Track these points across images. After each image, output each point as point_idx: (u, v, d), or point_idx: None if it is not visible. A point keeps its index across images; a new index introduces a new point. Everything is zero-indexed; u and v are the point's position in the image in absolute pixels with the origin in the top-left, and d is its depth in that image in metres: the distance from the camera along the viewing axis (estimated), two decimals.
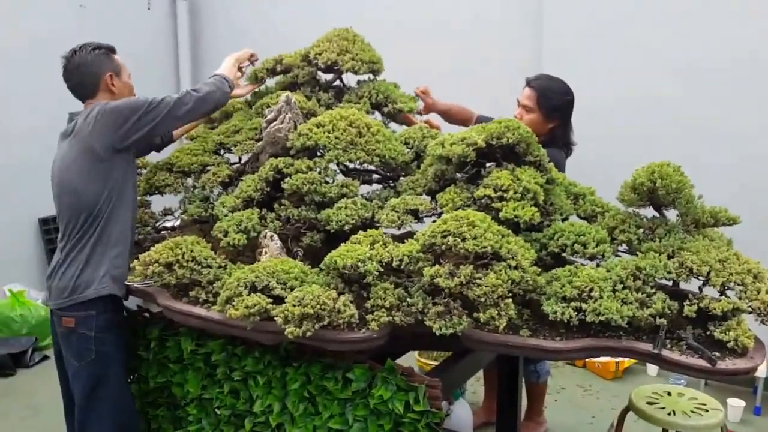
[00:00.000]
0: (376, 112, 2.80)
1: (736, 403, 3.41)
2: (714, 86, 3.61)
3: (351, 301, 1.82)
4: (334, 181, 2.30)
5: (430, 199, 2.19)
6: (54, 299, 2.28)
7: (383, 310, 1.79)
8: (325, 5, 4.90)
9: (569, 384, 3.89)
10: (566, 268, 1.85)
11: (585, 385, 3.89)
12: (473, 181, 2.09)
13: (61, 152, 2.28)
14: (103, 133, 2.19)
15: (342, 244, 1.94)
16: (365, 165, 2.37)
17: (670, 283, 1.86)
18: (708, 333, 1.71)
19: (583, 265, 1.90)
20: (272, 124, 2.40)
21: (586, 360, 4.00)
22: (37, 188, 4.08)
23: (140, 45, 5.30)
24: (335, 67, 2.76)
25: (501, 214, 1.90)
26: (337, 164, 2.34)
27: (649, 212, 2.05)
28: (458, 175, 2.14)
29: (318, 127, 2.33)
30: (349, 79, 2.86)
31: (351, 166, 2.42)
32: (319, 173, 2.27)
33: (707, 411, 2.36)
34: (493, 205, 1.94)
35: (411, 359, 3.70)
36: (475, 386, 3.83)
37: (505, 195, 1.93)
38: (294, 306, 1.75)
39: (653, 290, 1.75)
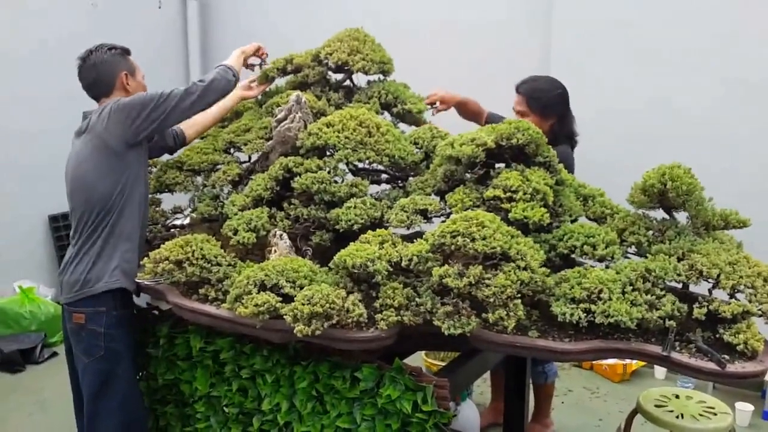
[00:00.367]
0: (386, 113, 2.80)
1: (745, 407, 3.39)
2: (726, 89, 3.59)
3: (360, 301, 1.82)
4: (343, 181, 2.30)
5: (439, 199, 2.19)
6: (65, 294, 2.31)
7: (392, 309, 1.79)
8: (334, 6, 4.91)
9: (576, 386, 3.88)
10: (575, 269, 1.85)
11: (592, 387, 3.88)
12: (482, 181, 2.09)
13: (75, 149, 2.32)
14: (117, 129, 2.23)
15: (351, 243, 1.94)
16: (375, 165, 2.38)
17: (680, 286, 1.86)
18: (717, 336, 1.71)
19: (592, 266, 1.90)
20: (282, 124, 2.41)
21: (594, 362, 3.98)
22: (46, 186, 4.13)
23: (151, 44, 5.32)
24: (345, 67, 2.77)
25: (510, 215, 1.90)
26: (347, 164, 2.35)
27: (659, 214, 2.05)
28: (467, 175, 2.14)
29: (328, 127, 2.34)
30: (360, 79, 2.87)
31: (360, 165, 2.43)
32: (329, 173, 2.27)
33: (716, 414, 2.35)
34: (502, 205, 1.94)
35: (418, 359, 3.70)
36: (482, 387, 3.83)
37: (514, 196, 1.94)
38: (303, 305, 1.76)
39: (663, 292, 1.74)
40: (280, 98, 2.70)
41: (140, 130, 2.25)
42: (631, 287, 1.74)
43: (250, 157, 2.67)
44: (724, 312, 1.68)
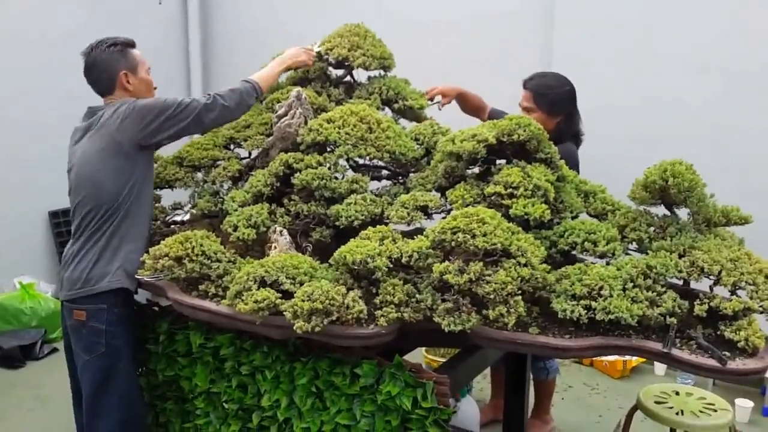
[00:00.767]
0: (387, 108, 2.80)
1: (745, 404, 3.39)
2: (727, 85, 3.59)
3: (360, 297, 1.82)
4: (343, 177, 2.30)
5: (439, 195, 2.19)
6: (66, 290, 2.29)
7: (392, 306, 1.79)
8: (337, 0, 4.89)
9: (576, 383, 3.88)
10: (576, 266, 1.85)
11: (592, 383, 3.88)
12: (483, 177, 2.09)
13: (82, 145, 2.28)
14: (131, 130, 2.20)
15: (351, 239, 1.94)
16: (375, 161, 2.37)
17: (681, 282, 1.86)
18: (718, 333, 1.71)
19: (593, 263, 1.90)
20: (283, 120, 2.40)
21: (594, 359, 3.98)
22: (47, 182, 4.12)
23: (151, 40, 5.29)
24: (346, 63, 2.76)
25: (511, 211, 1.89)
26: (347, 160, 2.35)
27: (661, 211, 2.04)
28: (468, 171, 2.14)
29: (328, 123, 2.33)
30: (360, 75, 2.86)
31: (361, 161, 2.42)
32: (329, 169, 2.27)
33: (716, 411, 2.35)
34: (503, 202, 1.93)
35: (418, 356, 3.70)
36: (483, 383, 3.83)
37: (515, 192, 1.93)
38: (303, 301, 1.76)
39: (664, 289, 1.74)
40: (280, 94, 2.69)
41: (154, 135, 2.24)
42: (632, 284, 1.74)
43: (250, 153, 2.66)
44: (725, 309, 1.68)
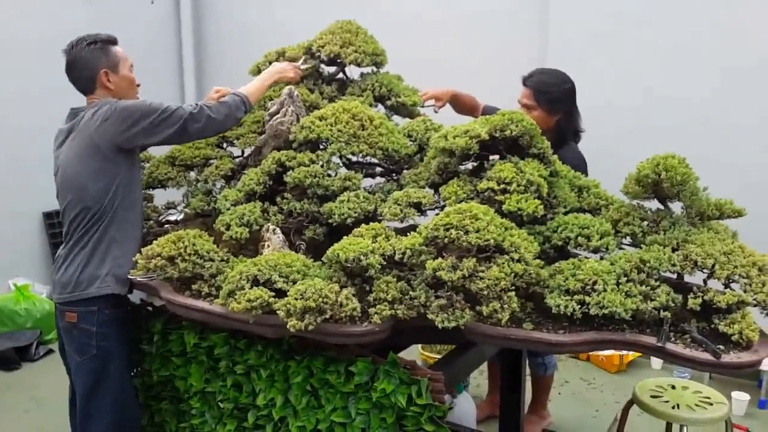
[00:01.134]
0: (380, 105, 2.79)
1: (741, 397, 3.40)
2: (722, 80, 3.59)
3: (353, 295, 1.81)
4: (336, 174, 2.29)
5: (433, 191, 2.18)
6: (57, 293, 2.29)
7: (386, 303, 1.78)
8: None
9: (573, 377, 3.89)
10: (570, 260, 1.84)
11: (589, 378, 3.88)
12: (476, 173, 2.08)
13: (65, 148, 2.25)
14: (110, 133, 2.16)
15: (344, 237, 1.93)
16: (368, 158, 2.37)
17: (675, 276, 1.85)
18: (713, 326, 1.70)
19: (586, 257, 1.89)
20: (275, 117, 2.39)
21: (590, 353, 3.99)
22: (41, 182, 4.09)
23: (144, 39, 5.29)
24: (338, 60, 2.75)
25: (504, 207, 1.89)
26: (340, 157, 2.34)
27: (654, 204, 2.04)
28: (461, 167, 2.13)
29: (321, 120, 2.32)
30: (353, 71, 2.85)
31: (354, 159, 2.41)
32: (322, 166, 2.26)
33: (712, 404, 2.35)
34: (496, 197, 1.93)
35: (414, 353, 3.70)
36: (479, 379, 3.83)
37: (508, 187, 1.93)
38: (296, 299, 1.75)
39: (657, 283, 1.74)
40: (272, 92, 2.67)
41: (134, 140, 2.19)
42: (626, 278, 1.73)
43: (242, 152, 2.66)
44: (719, 302, 1.67)
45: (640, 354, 3.84)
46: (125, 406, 2.31)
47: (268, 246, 2.13)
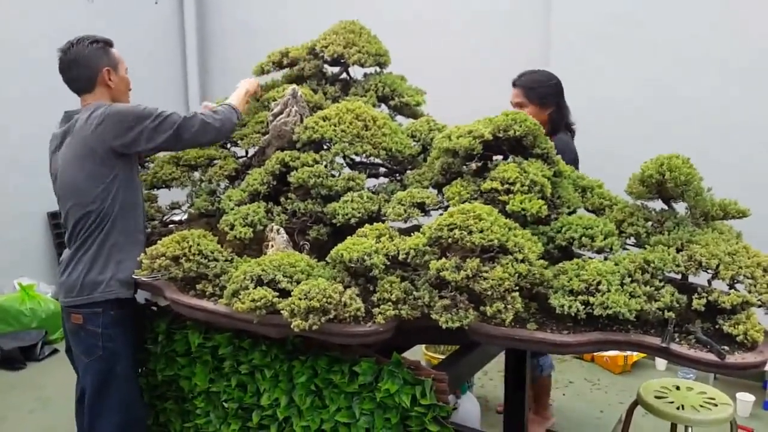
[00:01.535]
0: (383, 105, 2.79)
1: (746, 398, 3.39)
2: (725, 79, 3.58)
3: (357, 295, 1.81)
4: (340, 175, 2.29)
5: (436, 192, 2.18)
6: (63, 296, 2.29)
7: (389, 303, 1.78)
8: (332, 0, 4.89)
9: (577, 378, 3.88)
10: (574, 261, 1.84)
11: (593, 379, 3.87)
12: (480, 174, 2.08)
13: (61, 152, 2.24)
14: (105, 137, 2.16)
15: (348, 237, 1.93)
16: (371, 158, 2.37)
17: (679, 277, 1.85)
18: (717, 327, 1.70)
19: (590, 258, 1.89)
20: (278, 118, 2.39)
21: (595, 354, 3.98)
22: (45, 183, 4.10)
23: (147, 40, 5.31)
24: (341, 60, 2.75)
25: (508, 207, 1.89)
26: (344, 157, 2.34)
27: (658, 205, 2.04)
28: (465, 168, 2.13)
29: (324, 120, 2.32)
30: (356, 71, 2.85)
31: (357, 159, 2.41)
32: (326, 166, 2.26)
33: (716, 405, 2.34)
34: (500, 198, 1.93)
35: (418, 353, 3.70)
36: (483, 380, 3.83)
37: (512, 188, 1.92)
38: (300, 299, 1.75)
39: (661, 283, 1.73)
40: (276, 92, 2.68)
41: (129, 145, 2.19)
42: (630, 279, 1.73)
43: (246, 152, 2.66)
44: (724, 303, 1.67)
45: (644, 355, 3.83)
46: (132, 406, 2.31)
47: (272, 246, 2.13)
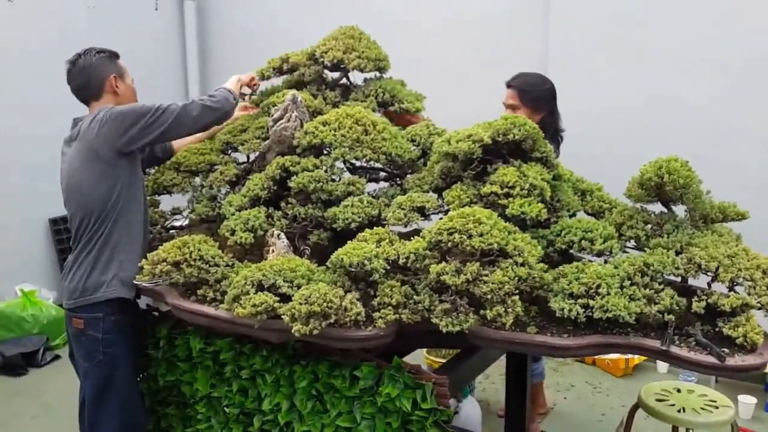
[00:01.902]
0: (383, 110, 2.80)
1: (747, 400, 3.39)
2: (725, 82, 3.58)
3: (358, 299, 1.82)
4: (340, 179, 2.30)
5: (436, 196, 2.19)
6: (66, 299, 2.32)
7: (390, 307, 1.79)
8: (334, 5, 4.90)
9: (579, 381, 3.88)
10: (573, 264, 1.84)
11: (594, 382, 3.87)
12: (480, 178, 2.09)
13: (68, 157, 2.29)
14: (108, 137, 2.20)
15: (349, 242, 1.94)
16: (371, 163, 2.37)
17: (679, 279, 1.85)
18: (717, 329, 1.70)
19: (590, 261, 1.89)
20: (279, 123, 2.40)
21: (596, 357, 3.98)
22: (47, 189, 4.12)
23: (148, 45, 5.32)
24: (341, 66, 2.76)
25: (508, 211, 1.89)
26: (344, 162, 2.35)
27: (657, 208, 2.04)
28: (465, 172, 2.14)
29: (324, 126, 2.33)
30: (356, 77, 2.86)
31: (357, 164, 2.42)
32: (326, 171, 2.27)
33: (717, 408, 2.34)
34: (499, 201, 1.93)
35: (419, 357, 3.70)
36: (485, 384, 3.83)
37: (511, 192, 1.93)
38: (301, 304, 1.76)
39: (661, 286, 1.74)
40: (276, 97, 2.69)
41: (132, 141, 2.22)
42: (630, 282, 1.73)
43: (247, 157, 2.67)
44: (723, 305, 1.67)
45: (645, 358, 3.85)
46: (132, 411, 2.32)
47: (273, 251, 2.14)
